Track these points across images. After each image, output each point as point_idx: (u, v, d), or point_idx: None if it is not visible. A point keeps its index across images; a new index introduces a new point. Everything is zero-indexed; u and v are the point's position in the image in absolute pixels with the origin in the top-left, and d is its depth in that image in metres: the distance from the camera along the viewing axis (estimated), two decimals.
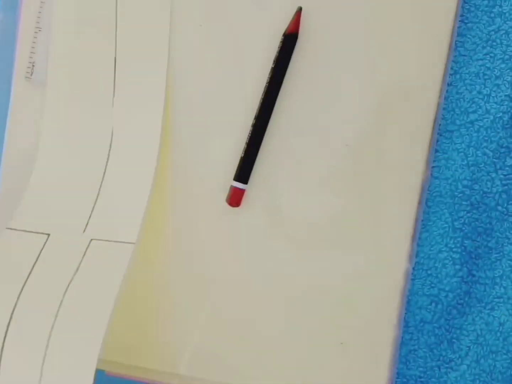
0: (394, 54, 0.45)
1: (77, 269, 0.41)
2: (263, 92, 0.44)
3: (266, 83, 0.44)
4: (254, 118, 0.44)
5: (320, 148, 0.45)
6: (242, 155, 0.44)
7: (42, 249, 0.42)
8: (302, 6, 0.44)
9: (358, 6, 0.44)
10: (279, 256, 0.45)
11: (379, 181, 0.45)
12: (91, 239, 0.42)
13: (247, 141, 0.44)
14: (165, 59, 0.43)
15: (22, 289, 0.40)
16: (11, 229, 0.42)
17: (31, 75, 0.43)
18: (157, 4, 0.43)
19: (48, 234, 0.42)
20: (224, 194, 0.44)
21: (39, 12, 0.43)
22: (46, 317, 0.39)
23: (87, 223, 0.42)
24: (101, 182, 0.43)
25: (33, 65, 0.43)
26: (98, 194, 0.43)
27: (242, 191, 0.44)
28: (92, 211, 0.43)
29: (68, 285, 0.40)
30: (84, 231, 0.42)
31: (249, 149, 0.44)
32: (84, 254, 0.41)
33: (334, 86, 0.45)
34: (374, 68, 0.45)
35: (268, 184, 0.45)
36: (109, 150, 0.43)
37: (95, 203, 0.43)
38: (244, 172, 0.44)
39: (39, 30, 0.43)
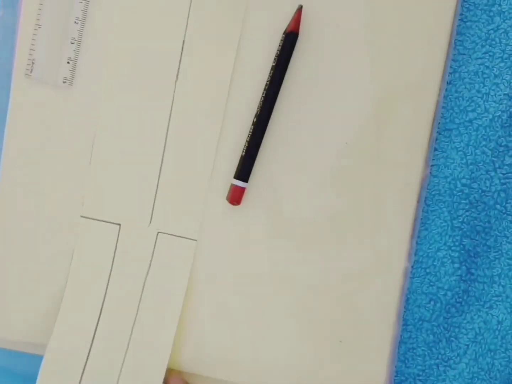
0: (394, 52, 0.45)
1: (150, 264, 0.43)
2: (264, 90, 0.44)
3: (267, 82, 0.44)
4: (255, 116, 0.44)
5: (320, 146, 0.45)
6: (243, 153, 0.44)
7: (117, 240, 0.43)
8: (302, 5, 0.44)
9: (358, 4, 0.44)
10: (279, 254, 0.45)
11: (378, 180, 0.45)
12: (158, 232, 0.43)
13: (248, 139, 0.44)
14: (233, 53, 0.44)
15: (108, 282, 0.43)
16: (85, 217, 0.43)
17: (30, 72, 0.43)
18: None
19: (119, 224, 0.43)
20: (225, 192, 0.44)
21: (39, 9, 0.42)
22: (129, 312, 0.43)
23: (152, 215, 0.44)
24: (159, 173, 0.44)
25: (32, 62, 0.43)
26: (157, 186, 0.43)
27: (242, 189, 0.44)
28: (154, 203, 0.44)
29: (145, 279, 0.43)
30: (150, 222, 0.43)
31: (250, 147, 0.44)
32: (154, 248, 0.43)
33: (334, 85, 0.45)
34: (374, 67, 0.45)
35: (268, 182, 0.45)
36: (166, 141, 0.44)
37: (155, 195, 0.43)
38: (244, 170, 0.44)
39: (39, 27, 0.43)
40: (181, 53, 0.44)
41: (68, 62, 0.43)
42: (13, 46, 0.43)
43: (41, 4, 0.42)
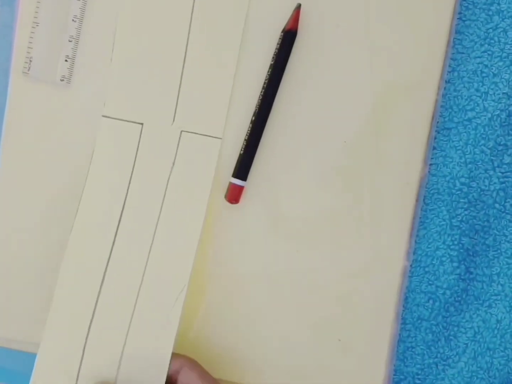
0: (392, 51, 0.45)
1: (174, 163, 0.43)
2: (262, 89, 0.44)
3: (265, 80, 0.44)
4: (253, 115, 0.44)
5: (318, 145, 0.45)
6: (241, 152, 0.44)
7: (139, 139, 0.43)
8: (301, 3, 0.44)
9: (356, 3, 0.44)
10: (278, 253, 0.45)
11: (377, 178, 0.45)
12: (181, 131, 0.43)
13: (246, 138, 0.44)
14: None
15: (130, 182, 0.42)
16: (107, 117, 0.43)
17: (28, 70, 0.43)
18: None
19: (142, 124, 0.43)
20: (223, 191, 0.44)
21: (37, 7, 0.42)
22: (153, 210, 0.43)
23: (175, 114, 0.43)
24: (182, 71, 0.43)
25: (30, 60, 0.43)
26: (180, 85, 0.43)
27: (241, 188, 0.44)
28: (177, 102, 0.43)
29: (168, 178, 0.43)
30: (173, 121, 0.43)
31: (248, 146, 0.44)
32: (177, 146, 0.43)
33: (333, 83, 0.45)
34: (372, 66, 0.45)
35: (267, 181, 0.45)
36: (188, 37, 0.43)
37: (178, 94, 0.43)
38: (243, 169, 0.44)
39: (37, 25, 0.42)
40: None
41: (66, 60, 0.43)
42: (10, 44, 0.43)
43: (39, 2, 0.42)
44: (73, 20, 0.43)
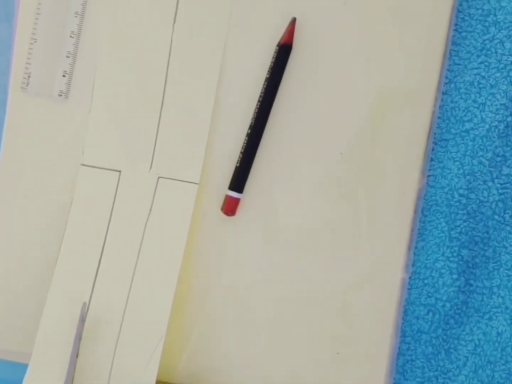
0: (389, 63, 0.45)
1: (151, 209, 0.43)
2: (258, 102, 0.44)
3: (261, 93, 0.44)
4: (249, 128, 0.44)
5: (314, 156, 0.45)
6: (237, 164, 0.44)
7: (117, 187, 0.43)
8: (296, 17, 0.44)
9: (351, 16, 0.45)
10: (275, 265, 0.45)
11: (375, 190, 0.45)
12: (159, 177, 0.43)
13: (242, 150, 0.44)
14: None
15: (108, 229, 0.43)
16: (85, 165, 0.43)
17: (27, 85, 0.43)
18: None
19: (120, 171, 0.43)
20: (220, 203, 0.44)
21: (35, 24, 0.43)
22: (130, 257, 0.43)
23: (152, 161, 0.44)
24: (159, 118, 0.44)
25: (29, 76, 0.43)
26: (157, 131, 0.44)
27: (237, 200, 0.44)
28: (154, 149, 0.44)
29: (145, 225, 0.43)
30: (150, 168, 0.43)
31: (244, 158, 0.44)
32: (154, 193, 0.43)
33: (328, 96, 0.45)
34: (369, 77, 0.45)
35: (263, 193, 0.45)
36: (165, 85, 0.44)
37: (155, 140, 0.44)
38: (239, 181, 0.44)
39: (35, 41, 0.43)
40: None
41: (63, 76, 0.44)
42: (9, 60, 0.44)
43: (37, 19, 0.43)
44: (70, 36, 0.43)
